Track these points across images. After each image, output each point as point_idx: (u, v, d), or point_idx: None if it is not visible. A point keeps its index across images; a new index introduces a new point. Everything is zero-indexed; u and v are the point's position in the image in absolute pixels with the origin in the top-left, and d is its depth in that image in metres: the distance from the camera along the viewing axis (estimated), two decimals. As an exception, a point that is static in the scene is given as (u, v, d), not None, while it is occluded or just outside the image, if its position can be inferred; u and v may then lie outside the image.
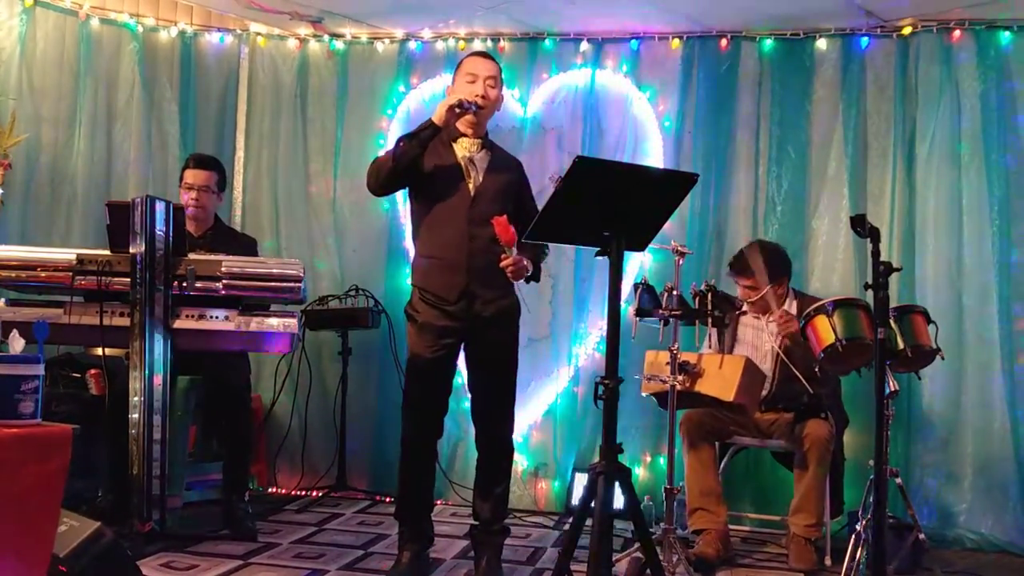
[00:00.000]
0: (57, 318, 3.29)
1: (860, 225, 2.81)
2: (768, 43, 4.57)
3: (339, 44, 5.00)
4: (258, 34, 5.04)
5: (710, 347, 3.99)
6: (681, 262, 3.39)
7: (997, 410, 4.16)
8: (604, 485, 2.37)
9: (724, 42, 4.61)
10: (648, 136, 4.69)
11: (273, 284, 3.41)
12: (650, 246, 2.74)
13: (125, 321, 3.28)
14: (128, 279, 3.27)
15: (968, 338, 4.22)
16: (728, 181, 4.59)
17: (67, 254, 3.37)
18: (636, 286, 3.42)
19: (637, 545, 3.09)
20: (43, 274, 3.36)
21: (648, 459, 4.55)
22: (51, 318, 3.23)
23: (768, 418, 3.94)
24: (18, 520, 1.93)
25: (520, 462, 4.66)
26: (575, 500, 4.40)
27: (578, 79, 4.77)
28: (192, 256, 3.43)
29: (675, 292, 3.31)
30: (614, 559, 2.86)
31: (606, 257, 2.46)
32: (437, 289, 3.15)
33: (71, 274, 3.31)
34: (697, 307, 3.36)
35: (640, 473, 4.51)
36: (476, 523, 3.32)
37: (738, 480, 4.40)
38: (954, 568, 3.74)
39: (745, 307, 4.04)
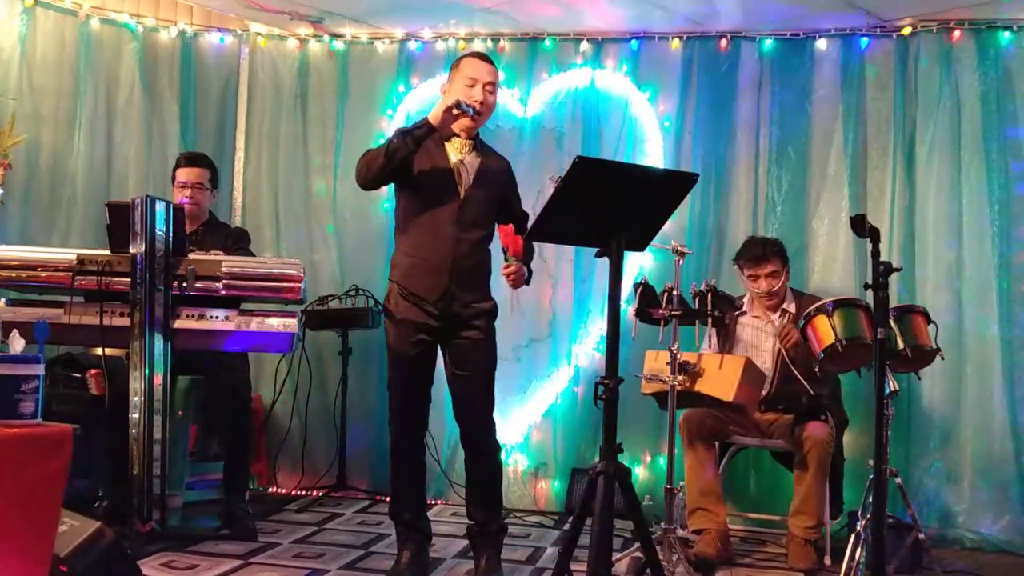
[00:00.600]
0: (57, 318, 3.29)
1: (860, 225, 2.81)
2: (768, 43, 4.57)
3: (339, 44, 5.00)
4: (258, 34, 5.04)
5: (710, 347, 3.99)
6: (681, 262, 3.39)
7: (997, 410, 4.16)
8: (604, 485, 2.37)
9: (724, 42, 4.61)
10: (648, 136, 4.69)
11: (273, 284, 3.41)
12: (650, 246, 2.74)
13: (125, 321, 3.28)
14: (128, 279, 3.27)
15: (968, 338, 4.22)
16: (728, 181, 4.59)
17: (67, 254, 3.38)
18: (636, 286, 3.42)
19: (637, 545, 3.10)
20: (43, 274, 3.37)
21: (648, 459, 4.55)
22: (51, 318, 3.23)
23: (768, 418, 3.94)
24: (19, 520, 1.94)
25: (520, 462, 4.66)
26: (575, 500, 4.39)
27: (578, 79, 4.77)
28: (192, 256, 3.43)
29: (675, 292, 3.32)
30: (614, 559, 2.86)
31: (606, 257, 2.46)
32: (418, 289, 3.17)
33: (71, 274, 3.32)
34: (697, 307, 3.36)
35: (640, 473, 4.51)
36: (472, 523, 3.32)
37: (738, 480, 4.41)
38: (954, 568, 3.74)
39: (752, 305, 4.03)
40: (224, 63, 5.04)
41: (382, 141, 4.81)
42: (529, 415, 4.68)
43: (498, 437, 3.35)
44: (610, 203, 2.42)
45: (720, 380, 3.44)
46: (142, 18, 4.90)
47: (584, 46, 4.76)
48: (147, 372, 3.25)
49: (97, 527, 2.40)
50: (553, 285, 4.70)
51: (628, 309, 3.51)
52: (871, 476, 3.06)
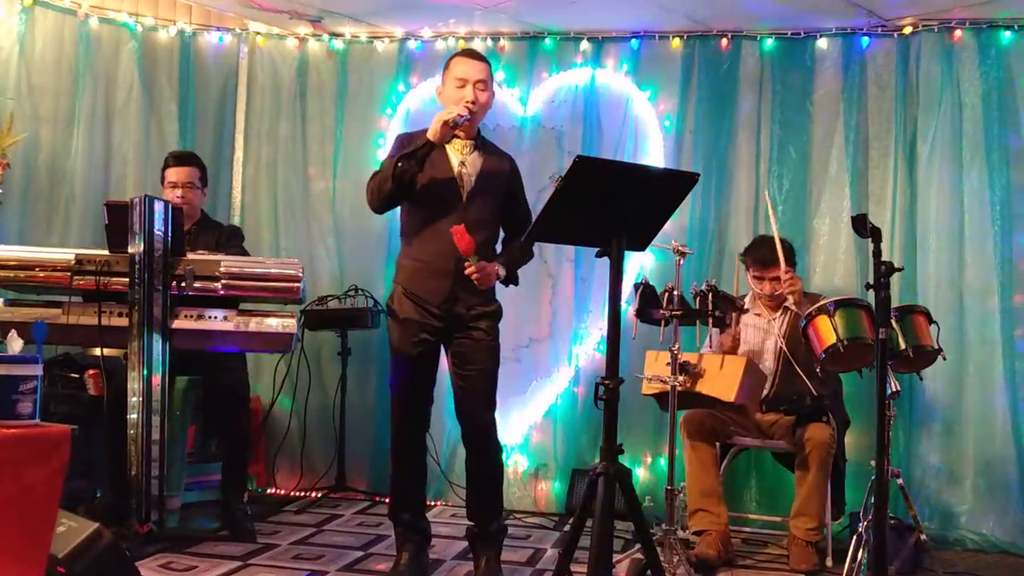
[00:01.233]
0: (55, 318, 3.28)
1: (861, 225, 2.81)
2: (769, 42, 4.56)
3: (339, 43, 4.99)
4: (257, 33, 5.03)
5: (711, 347, 3.98)
6: (682, 262, 3.38)
7: (999, 410, 4.15)
8: (605, 486, 2.36)
9: (724, 41, 4.60)
10: (648, 135, 4.68)
11: (272, 284, 3.40)
12: (651, 246, 2.73)
13: (124, 321, 3.27)
14: (127, 279, 3.26)
15: (970, 338, 4.21)
16: (729, 181, 4.58)
17: (65, 254, 3.37)
18: (636, 286, 3.42)
19: (638, 546, 3.09)
20: (41, 274, 3.36)
21: (649, 460, 4.54)
22: (49, 318, 3.22)
23: (769, 419, 3.94)
24: (16, 520, 1.93)
25: (520, 463, 4.66)
26: (575, 501, 4.39)
27: (578, 78, 4.76)
28: (190, 256, 3.42)
29: (676, 292, 3.31)
30: (614, 560, 2.85)
31: (606, 257, 2.45)
32: (422, 292, 3.18)
33: (69, 274, 3.31)
34: (698, 307, 3.35)
35: (641, 474, 4.50)
36: (472, 524, 3.31)
37: (739, 481, 4.40)
38: (955, 569, 3.73)
39: (755, 303, 4.02)
40: (223, 62, 5.03)
41: (381, 141, 4.91)
42: (529, 416, 4.68)
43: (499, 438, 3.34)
44: (610, 203, 2.41)
45: (721, 381, 3.44)
46: (141, 17, 4.89)
47: (584, 45, 4.75)
48: (145, 372, 3.24)
49: (95, 528, 2.39)
50: (553, 285, 4.70)
51: (628, 309, 3.51)
52: (872, 477, 3.05)
